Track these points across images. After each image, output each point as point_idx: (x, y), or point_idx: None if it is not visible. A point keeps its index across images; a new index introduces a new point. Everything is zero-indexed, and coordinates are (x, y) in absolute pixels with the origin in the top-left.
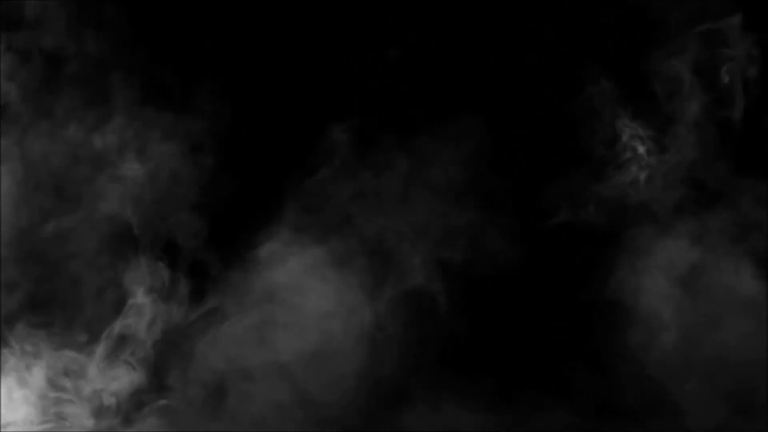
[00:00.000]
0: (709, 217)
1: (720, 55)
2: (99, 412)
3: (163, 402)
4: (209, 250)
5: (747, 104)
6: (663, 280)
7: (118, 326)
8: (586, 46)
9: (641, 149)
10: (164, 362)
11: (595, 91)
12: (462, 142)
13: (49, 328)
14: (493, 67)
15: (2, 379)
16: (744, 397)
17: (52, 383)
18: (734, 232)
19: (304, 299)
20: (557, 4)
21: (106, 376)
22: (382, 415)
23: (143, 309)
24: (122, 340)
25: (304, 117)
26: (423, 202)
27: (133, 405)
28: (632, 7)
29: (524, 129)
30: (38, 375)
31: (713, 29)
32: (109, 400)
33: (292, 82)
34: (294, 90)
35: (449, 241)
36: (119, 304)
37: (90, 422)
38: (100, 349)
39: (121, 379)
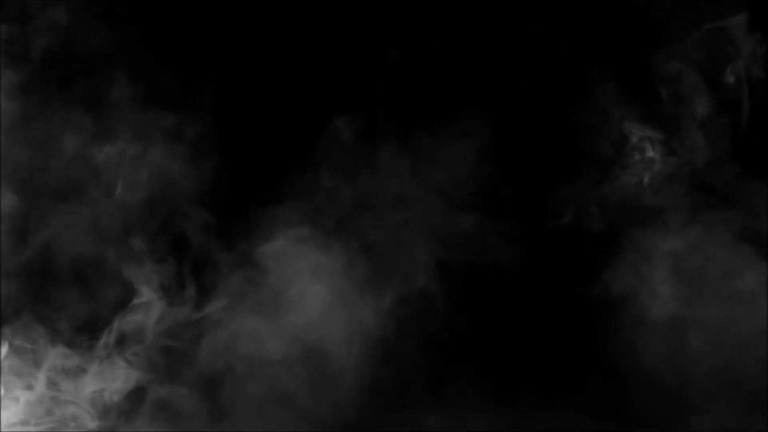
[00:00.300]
0: (717, 218)
1: (725, 54)
2: (101, 411)
3: (164, 402)
4: (213, 248)
5: (753, 104)
6: (670, 282)
7: (121, 325)
8: (591, 47)
9: (647, 151)
10: (167, 361)
11: (600, 92)
12: (466, 142)
13: (51, 325)
14: (499, 68)
15: (1, 379)
16: (751, 399)
17: (53, 382)
18: (742, 234)
19: (305, 299)
20: (562, 5)
21: (108, 376)
22: (383, 416)
23: (146, 307)
24: (125, 339)
25: (306, 116)
26: (426, 202)
27: (136, 404)
28: (636, 7)
29: (529, 130)
30: (39, 374)
31: (718, 28)
32: (111, 400)
33: (296, 80)
34: (298, 88)
35: (452, 242)
36: (122, 303)
37: (91, 422)
38: (103, 347)
39: (124, 379)
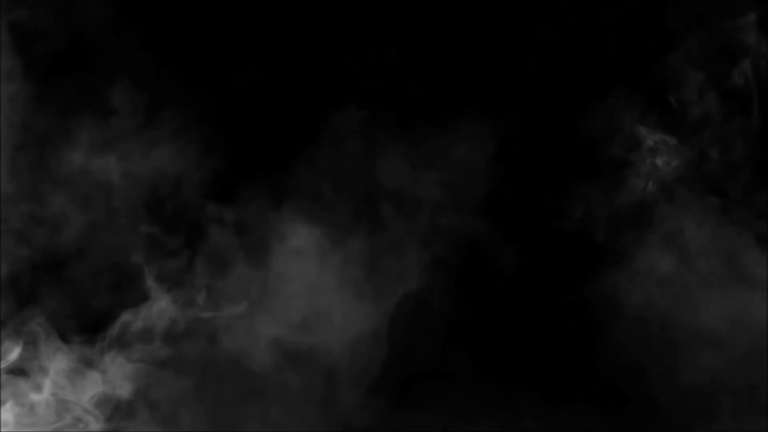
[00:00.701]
0: (728, 221)
1: (735, 55)
2: (106, 412)
3: (169, 401)
4: (216, 245)
5: (763, 104)
6: (680, 287)
7: (127, 324)
8: (598, 49)
9: (655, 154)
10: (172, 360)
11: (609, 95)
12: (471, 142)
13: (56, 325)
14: (510, 69)
15: (6, 380)
16: (756, 406)
17: (58, 383)
18: (753, 236)
19: (305, 298)
20: (574, 7)
21: (114, 376)
22: (385, 415)
23: (155, 304)
24: (131, 338)
25: (310, 112)
26: (432, 202)
27: (143, 404)
28: (647, 8)
29: (535, 131)
30: (45, 374)
31: (728, 29)
32: (116, 401)
33: (303, 76)
34: (303, 84)
35: (456, 241)
36: (128, 302)
37: (97, 423)
38: (108, 348)
39: (132, 377)
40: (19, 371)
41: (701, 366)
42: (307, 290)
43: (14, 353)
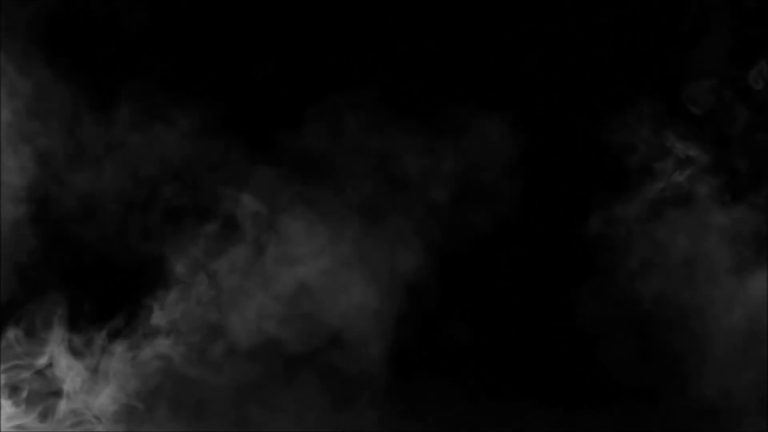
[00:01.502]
0: (748, 229)
1: (752, 61)
2: (119, 410)
3: (176, 399)
4: (223, 235)
5: None
6: (690, 290)
7: (143, 318)
8: (614, 60)
9: (675, 162)
10: (189, 359)
11: (631, 105)
12: (496, 144)
13: (67, 316)
14: (529, 70)
15: (7, 376)
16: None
17: (70, 379)
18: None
19: (309, 297)
20: (595, 15)
21: (127, 372)
22: (389, 414)
23: (166, 301)
24: (144, 333)
25: (314, 108)
26: (439, 198)
27: (156, 403)
28: (664, 14)
29: (546, 131)
30: (54, 369)
31: (745, 34)
32: (130, 399)
33: (312, 69)
34: (310, 76)
35: (465, 241)
36: (142, 295)
37: (107, 423)
38: (123, 341)
39: (145, 376)
40: (25, 366)
41: (705, 368)
42: (311, 290)
43: (43, 359)
